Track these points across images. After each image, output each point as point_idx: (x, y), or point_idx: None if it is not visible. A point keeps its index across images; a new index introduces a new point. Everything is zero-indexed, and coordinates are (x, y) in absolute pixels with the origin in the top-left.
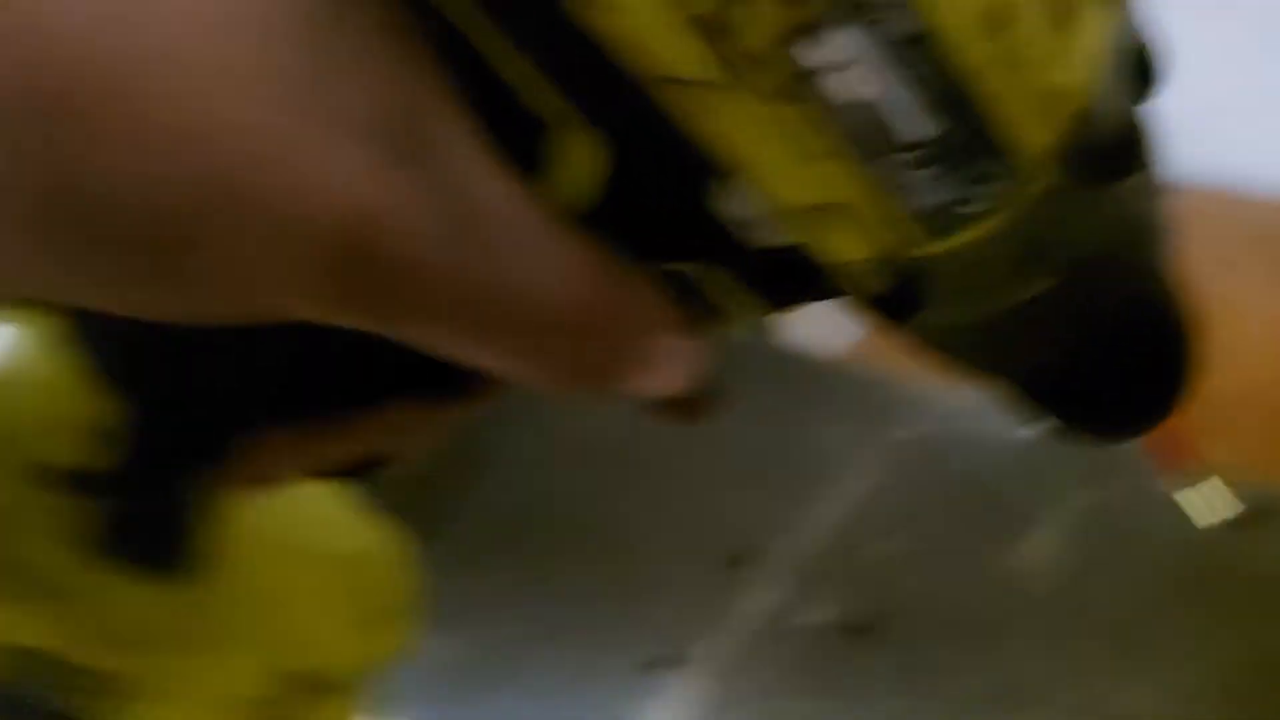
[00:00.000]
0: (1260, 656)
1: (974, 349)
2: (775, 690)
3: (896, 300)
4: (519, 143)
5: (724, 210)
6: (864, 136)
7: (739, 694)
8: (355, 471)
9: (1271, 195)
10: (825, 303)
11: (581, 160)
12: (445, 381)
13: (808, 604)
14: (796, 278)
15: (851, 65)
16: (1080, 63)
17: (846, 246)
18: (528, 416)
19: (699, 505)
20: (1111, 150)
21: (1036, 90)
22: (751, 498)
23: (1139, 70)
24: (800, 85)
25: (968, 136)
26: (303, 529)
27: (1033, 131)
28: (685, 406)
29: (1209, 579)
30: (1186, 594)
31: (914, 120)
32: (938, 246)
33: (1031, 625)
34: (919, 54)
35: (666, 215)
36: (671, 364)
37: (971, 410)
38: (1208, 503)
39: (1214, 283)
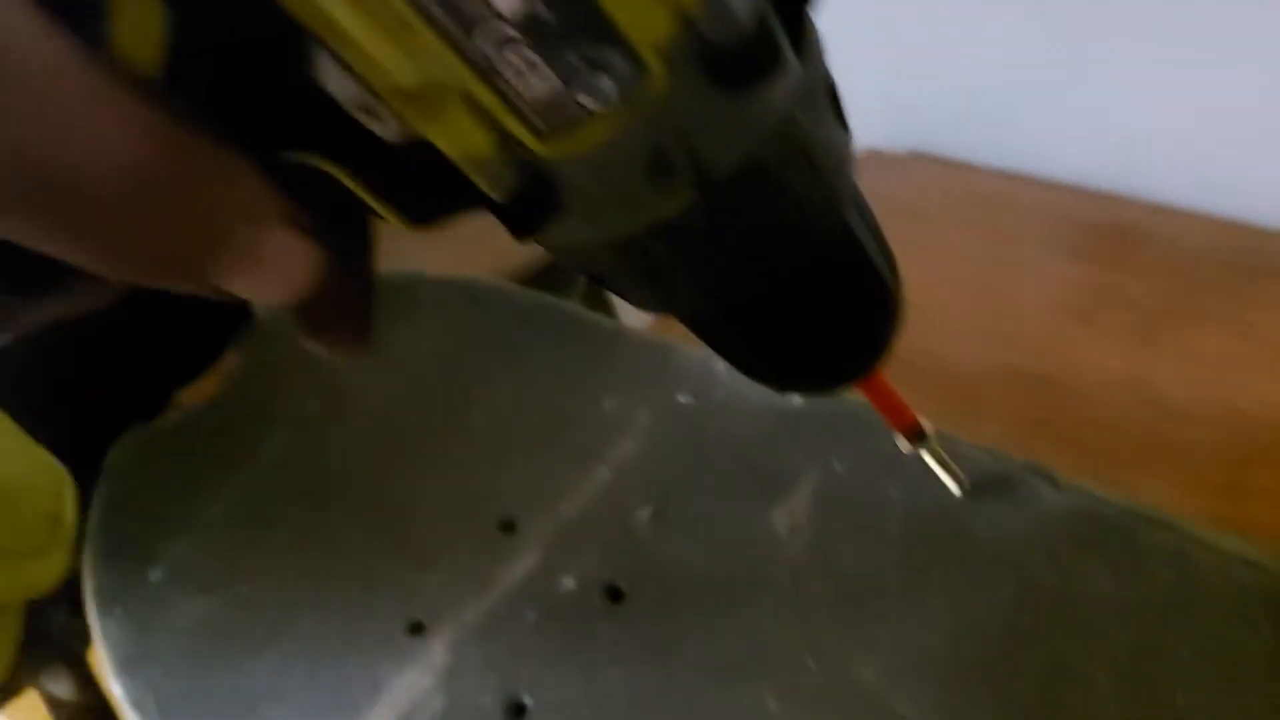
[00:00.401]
0: (984, 623)
1: (625, 275)
2: (519, 655)
3: (526, 208)
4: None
5: (328, 87)
6: (454, 5)
7: (482, 659)
8: None
9: (1057, 179)
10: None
11: (140, 17)
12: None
13: (563, 570)
14: (431, 182)
15: None
16: None
17: (465, 138)
18: (313, 378)
19: (478, 471)
20: (738, 51)
21: None
22: (531, 464)
23: None
24: None
25: (569, 13)
26: None
27: (641, 17)
28: (335, 330)
29: (948, 546)
30: (926, 561)
31: None
32: (560, 147)
33: (779, 594)
34: None
35: (266, 90)
36: (281, 265)
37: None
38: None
39: (994, 263)
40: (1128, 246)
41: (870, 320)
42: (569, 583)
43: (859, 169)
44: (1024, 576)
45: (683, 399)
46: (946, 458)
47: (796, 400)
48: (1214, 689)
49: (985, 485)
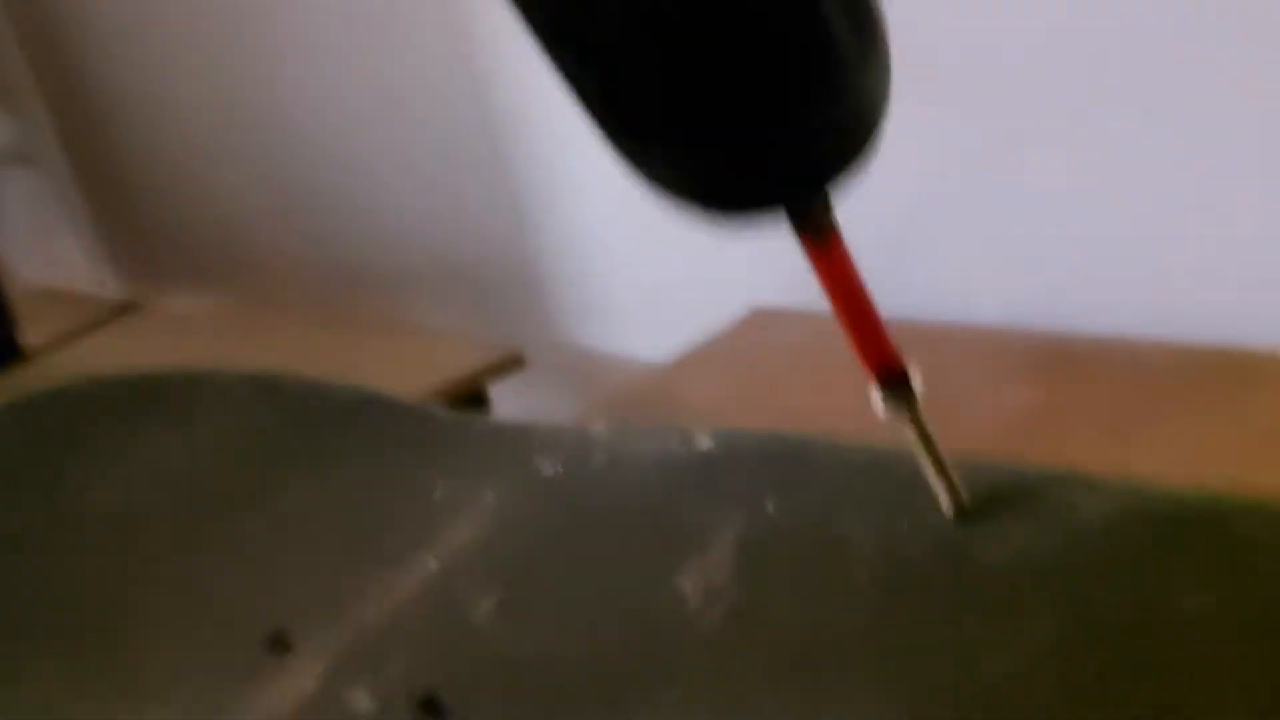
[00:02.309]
0: (966, 681)
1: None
2: None
3: None
4: None
5: None
6: None
7: None
8: None
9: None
10: None
11: None
12: None
13: (355, 686)
14: None
15: None
16: None
17: None
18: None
19: (240, 584)
20: None
21: None
22: (320, 569)
23: None
24: None
25: None
26: None
27: None
28: None
29: (946, 586)
30: (914, 611)
31: None
32: None
33: (692, 679)
34: None
35: None
36: None
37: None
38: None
39: (931, 400)
40: (1081, 367)
41: (821, 115)
42: (363, 701)
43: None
44: (1074, 609)
45: (548, 471)
46: (936, 441)
47: (705, 444)
48: None
49: (994, 499)
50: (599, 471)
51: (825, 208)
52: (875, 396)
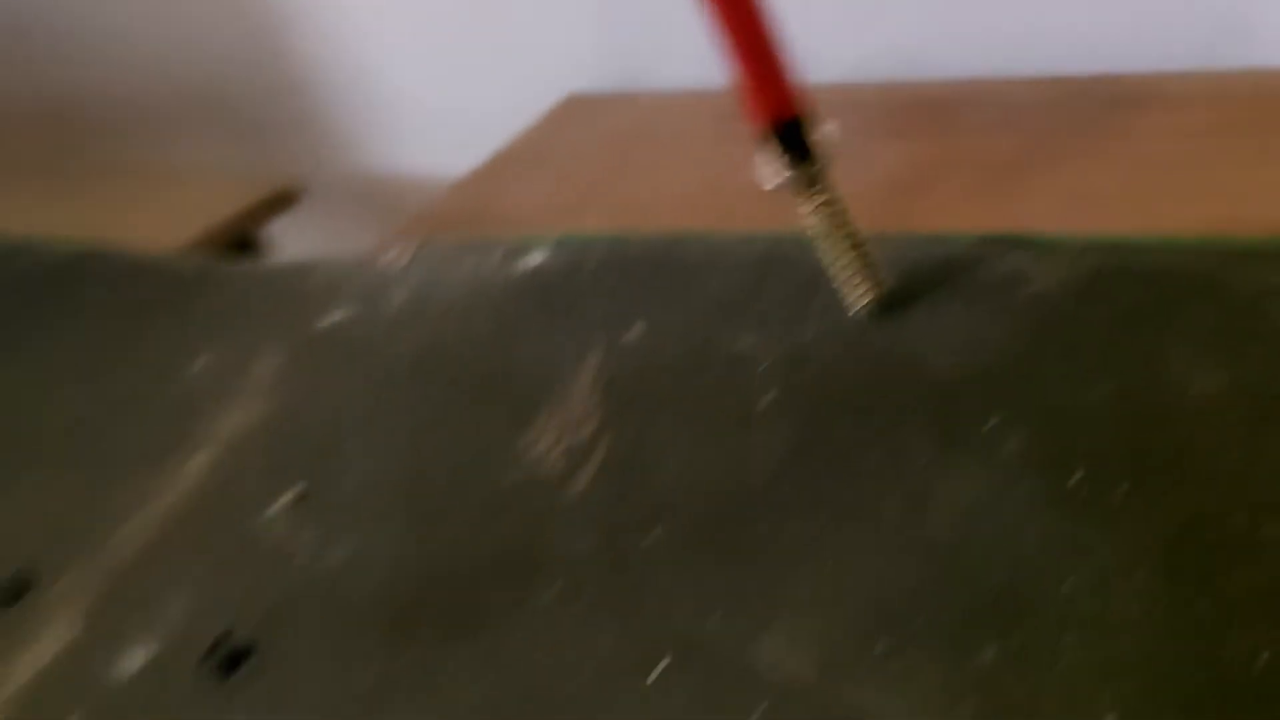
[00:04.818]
0: (925, 521)
1: None
2: None
3: None
4: None
5: None
6: None
7: None
8: None
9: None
10: None
11: None
12: None
13: (125, 637)
14: None
15: None
16: None
17: None
18: None
19: None
20: None
21: None
22: (58, 490)
23: None
24: None
25: None
26: None
27: None
28: None
29: (839, 409)
30: (810, 438)
31: None
32: None
33: (567, 567)
34: None
35: None
36: None
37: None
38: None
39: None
40: (950, 117)
41: None
42: (137, 655)
43: None
44: (1045, 410)
45: (332, 319)
46: (847, 214)
47: (536, 259)
48: None
49: (917, 283)
50: (401, 313)
51: None
52: (766, 161)
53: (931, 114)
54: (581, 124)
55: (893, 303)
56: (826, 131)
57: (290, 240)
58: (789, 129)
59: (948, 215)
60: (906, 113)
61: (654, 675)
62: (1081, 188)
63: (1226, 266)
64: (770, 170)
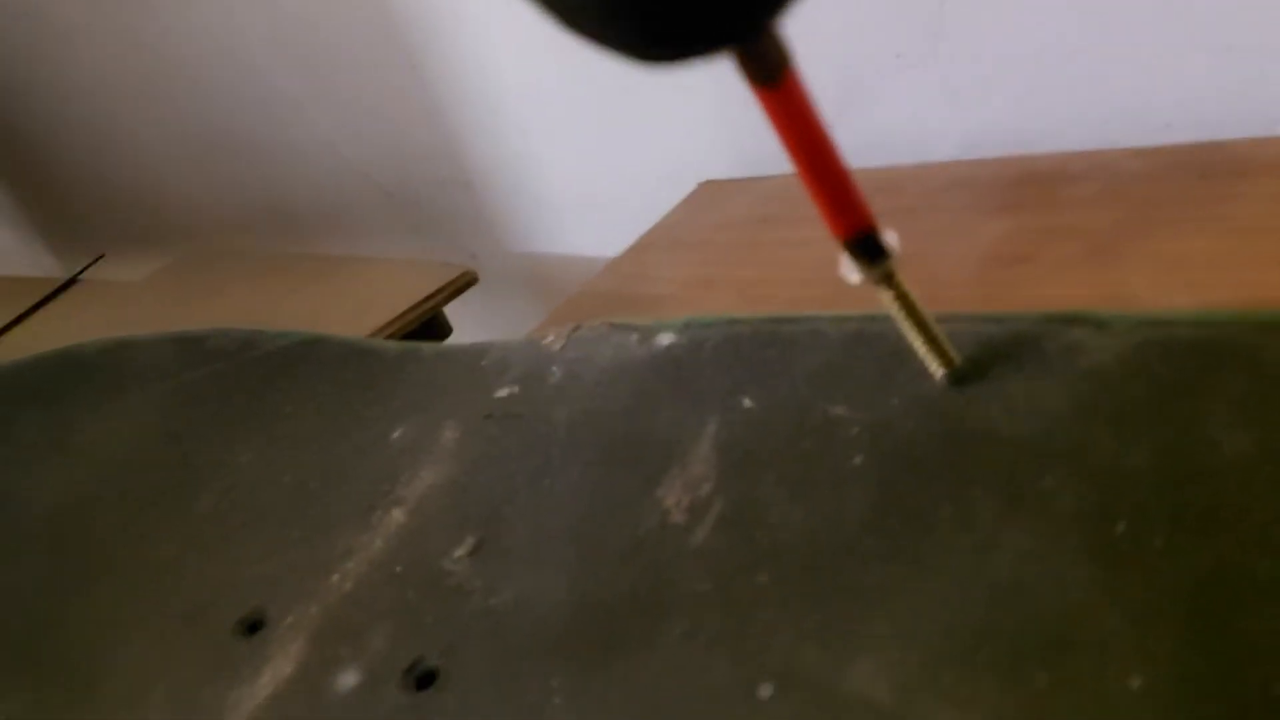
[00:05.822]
0: (987, 565)
1: None
2: None
3: None
4: None
5: None
6: None
7: None
8: None
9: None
10: None
11: None
12: None
13: (338, 663)
14: None
15: None
16: None
17: None
18: None
19: (201, 570)
20: None
21: None
22: (284, 540)
23: None
24: None
25: None
26: None
27: None
28: None
29: (918, 466)
30: (893, 492)
31: None
32: None
33: (692, 607)
34: None
35: None
36: None
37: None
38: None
39: (906, 237)
40: (1054, 189)
41: None
42: (349, 678)
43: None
44: (1097, 468)
45: (503, 393)
46: (917, 302)
47: (665, 340)
48: None
49: (987, 356)
50: (559, 387)
51: (776, 42)
52: (846, 262)
53: (1037, 187)
54: (713, 209)
55: (967, 375)
56: (890, 238)
57: (467, 317)
58: (860, 239)
59: (1049, 284)
60: (1013, 188)
61: (759, 699)
62: (1177, 254)
63: (1260, 337)
64: (850, 269)
